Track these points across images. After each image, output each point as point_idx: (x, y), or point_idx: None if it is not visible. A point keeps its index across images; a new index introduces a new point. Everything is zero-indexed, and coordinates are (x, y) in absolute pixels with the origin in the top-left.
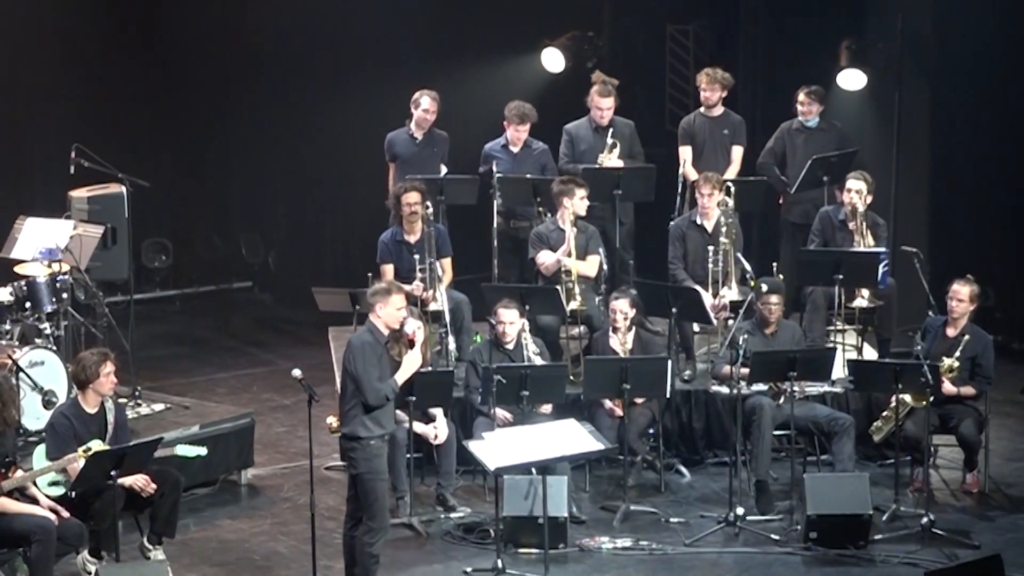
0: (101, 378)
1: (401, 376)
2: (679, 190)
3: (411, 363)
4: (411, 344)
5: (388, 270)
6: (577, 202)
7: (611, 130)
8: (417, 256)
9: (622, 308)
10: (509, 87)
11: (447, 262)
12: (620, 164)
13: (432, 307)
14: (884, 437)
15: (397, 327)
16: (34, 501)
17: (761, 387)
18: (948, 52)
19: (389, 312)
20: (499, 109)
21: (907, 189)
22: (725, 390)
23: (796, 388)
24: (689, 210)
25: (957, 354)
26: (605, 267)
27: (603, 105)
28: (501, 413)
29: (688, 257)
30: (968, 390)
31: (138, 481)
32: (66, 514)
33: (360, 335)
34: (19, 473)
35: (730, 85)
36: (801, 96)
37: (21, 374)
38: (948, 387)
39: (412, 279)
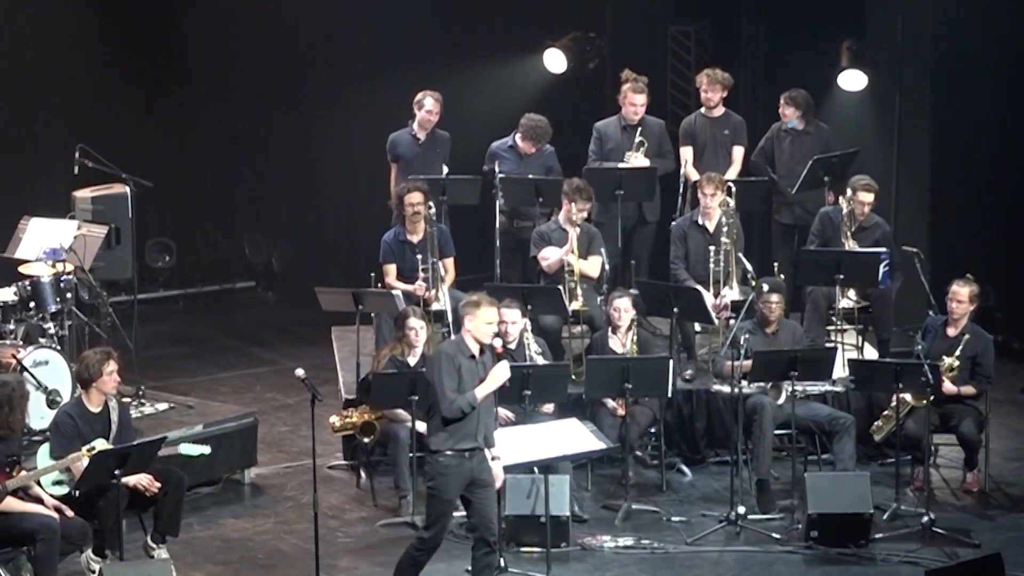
0: (104, 377)
1: (483, 390)
2: (680, 190)
3: (496, 377)
4: (499, 357)
5: (390, 270)
6: (575, 212)
7: (639, 128)
8: (420, 256)
9: (623, 306)
10: (511, 88)
11: (450, 262)
12: (646, 163)
13: (434, 307)
14: (885, 437)
15: (488, 342)
16: (38, 500)
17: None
18: (948, 53)
19: (478, 326)
20: (501, 110)
21: (908, 189)
22: (726, 389)
23: (798, 388)
24: (690, 210)
25: (957, 353)
26: (607, 267)
27: (637, 101)
28: (503, 412)
29: (690, 257)
30: (968, 389)
31: (142, 480)
32: (70, 513)
33: (444, 345)
34: (23, 473)
35: (730, 85)
36: (781, 100)
37: (25, 373)
38: (948, 386)
39: (415, 279)
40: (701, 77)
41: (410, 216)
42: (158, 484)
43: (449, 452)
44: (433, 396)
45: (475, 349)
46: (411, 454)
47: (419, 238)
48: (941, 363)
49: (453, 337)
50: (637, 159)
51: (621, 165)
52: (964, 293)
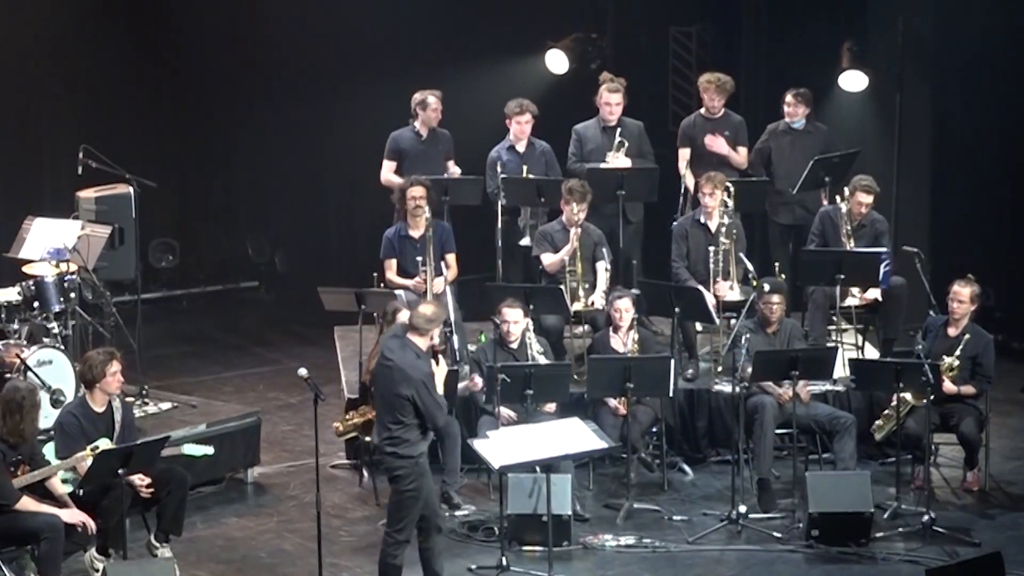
0: (107, 377)
1: (440, 388)
2: (681, 190)
3: (442, 375)
4: (436, 356)
5: (391, 265)
6: (569, 212)
7: (619, 129)
8: (420, 259)
9: (624, 307)
10: (513, 88)
11: (452, 258)
12: (627, 163)
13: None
14: (885, 436)
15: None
16: (52, 496)
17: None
18: (949, 53)
19: (436, 333)
20: (503, 110)
21: (908, 189)
22: (728, 388)
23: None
24: (691, 210)
25: (957, 353)
26: (609, 269)
27: (612, 101)
28: (505, 412)
29: (691, 256)
30: (968, 389)
31: (133, 480)
32: (92, 524)
33: (415, 363)
34: (29, 473)
35: (733, 91)
36: (788, 97)
37: (29, 373)
38: (948, 386)
39: (416, 274)
40: (707, 84)
41: (411, 210)
42: (148, 480)
43: (423, 454)
44: (411, 408)
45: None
46: None
47: (421, 233)
48: (941, 363)
49: (407, 348)
50: (618, 160)
51: (603, 166)
52: (965, 293)
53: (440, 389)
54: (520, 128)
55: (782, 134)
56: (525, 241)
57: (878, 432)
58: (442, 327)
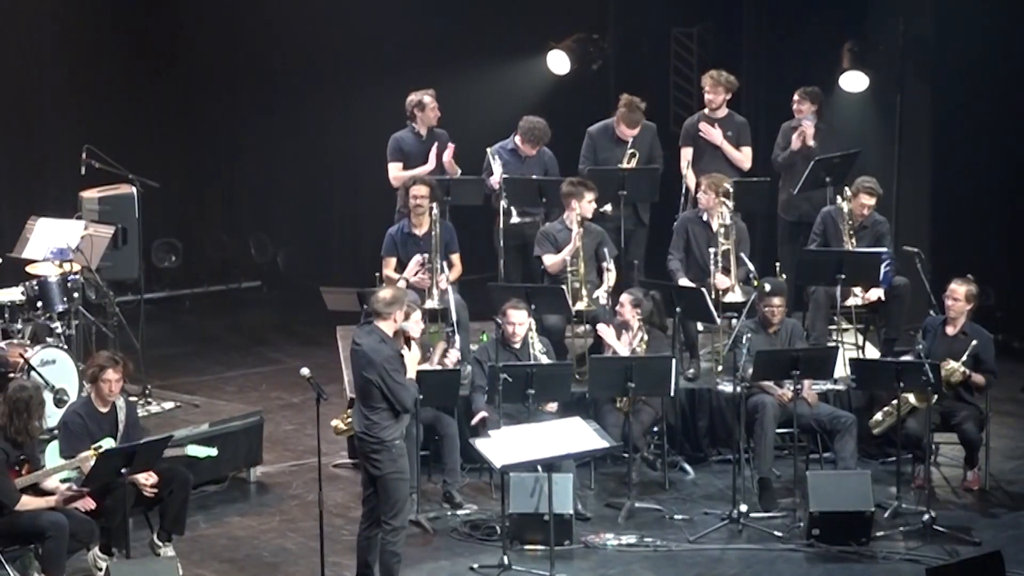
0: (99, 383)
1: (412, 375)
2: (682, 191)
3: (414, 360)
4: (408, 342)
5: (390, 263)
6: (585, 205)
7: (631, 140)
8: (425, 255)
9: (626, 302)
10: (514, 89)
11: (455, 258)
12: None
13: (429, 304)
14: (883, 430)
15: (416, 335)
16: (47, 492)
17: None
18: (949, 54)
19: (411, 324)
20: (504, 111)
21: (909, 190)
22: (729, 388)
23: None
24: (692, 210)
25: (964, 358)
26: (612, 269)
27: (627, 133)
28: (485, 414)
29: (691, 251)
30: (979, 378)
31: (138, 478)
32: (92, 504)
33: (377, 347)
34: (32, 472)
35: (734, 88)
36: (795, 95)
37: (33, 372)
38: (976, 377)
39: (419, 272)
40: (705, 79)
41: (414, 208)
42: (154, 479)
43: (398, 438)
44: (379, 394)
45: (395, 339)
46: (417, 452)
47: (424, 231)
48: (946, 365)
49: (374, 333)
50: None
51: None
52: (961, 292)
53: (411, 373)
54: (530, 152)
55: (792, 131)
56: (515, 220)
57: (877, 426)
58: (443, 325)
